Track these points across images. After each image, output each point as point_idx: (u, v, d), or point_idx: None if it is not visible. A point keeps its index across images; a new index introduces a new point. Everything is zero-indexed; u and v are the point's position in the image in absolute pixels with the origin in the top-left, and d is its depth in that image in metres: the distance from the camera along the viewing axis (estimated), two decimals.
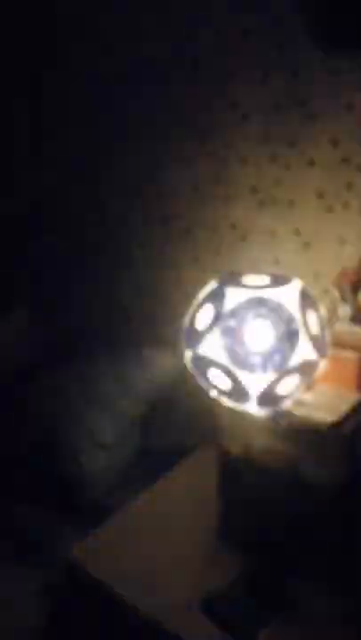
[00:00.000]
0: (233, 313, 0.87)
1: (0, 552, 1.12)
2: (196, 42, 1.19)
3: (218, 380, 0.88)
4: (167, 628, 0.87)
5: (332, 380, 0.96)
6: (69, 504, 1.21)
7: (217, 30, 1.15)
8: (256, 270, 0.95)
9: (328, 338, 0.91)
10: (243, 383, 0.85)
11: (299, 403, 0.90)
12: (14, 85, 1.59)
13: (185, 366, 0.94)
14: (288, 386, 0.87)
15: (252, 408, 0.88)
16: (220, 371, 0.87)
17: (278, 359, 0.85)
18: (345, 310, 1.03)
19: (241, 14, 1.11)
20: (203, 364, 0.89)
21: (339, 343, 0.98)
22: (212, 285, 0.91)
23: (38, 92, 1.55)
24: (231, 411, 0.92)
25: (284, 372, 0.85)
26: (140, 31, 1.28)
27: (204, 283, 1.11)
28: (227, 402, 0.89)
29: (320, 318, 0.90)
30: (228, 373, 0.86)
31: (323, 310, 0.92)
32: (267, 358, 0.86)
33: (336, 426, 0.86)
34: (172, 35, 1.23)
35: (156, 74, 1.28)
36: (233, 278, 0.91)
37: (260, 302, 0.86)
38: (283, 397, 0.88)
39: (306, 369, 0.87)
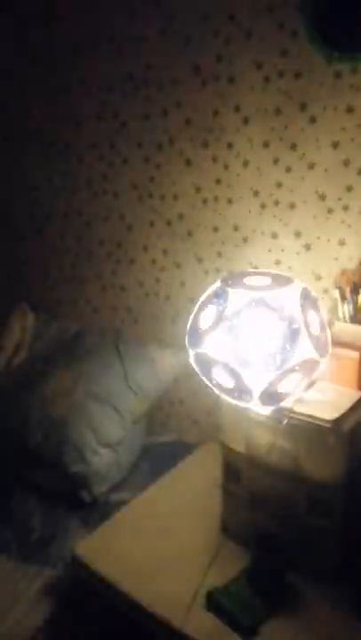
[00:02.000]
0: (236, 313, 0.89)
1: (5, 549, 1.13)
2: (198, 46, 1.21)
3: (221, 379, 0.90)
4: (171, 623, 0.88)
5: (333, 378, 0.98)
6: (74, 501, 1.23)
7: (219, 33, 1.17)
8: (258, 271, 0.97)
9: (329, 337, 0.92)
10: (245, 381, 0.87)
11: (300, 401, 0.92)
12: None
13: (189, 365, 0.96)
14: (290, 384, 0.88)
15: (255, 406, 0.89)
16: (222, 369, 0.88)
17: (280, 358, 0.87)
18: (345, 310, 1.04)
19: (243, 17, 1.13)
20: (206, 362, 0.91)
21: (339, 342, 0.99)
22: (215, 286, 0.92)
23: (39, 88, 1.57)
24: (234, 408, 0.93)
25: (285, 370, 0.87)
26: (142, 35, 1.30)
27: (206, 283, 1.12)
28: (229, 400, 0.91)
29: (321, 318, 0.91)
30: (231, 372, 0.88)
31: (323, 310, 0.93)
32: (269, 357, 0.87)
33: (337, 423, 0.87)
34: (174, 39, 1.24)
35: (158, 77, 1.30)
36: (236, 279, 0.92)
37: (262, 303, 0.88)
38: (284, 395, 0.89)
39: (307, 368, 0.88)
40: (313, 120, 1.09)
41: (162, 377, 1.37)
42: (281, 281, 0.91)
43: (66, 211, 1.63)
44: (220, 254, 1.33)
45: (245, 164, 1.21)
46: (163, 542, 1.04)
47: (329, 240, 1.14)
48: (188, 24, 1.21)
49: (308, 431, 0.89)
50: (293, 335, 0.87)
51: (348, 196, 1.09)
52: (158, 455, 1.38)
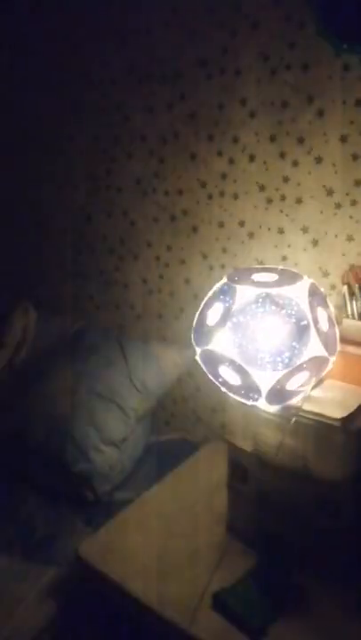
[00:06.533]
0: (243, 310, 0.87)
1: (9, 548, 1.12)
2: (203, 38, 1.19)
3: (228, 376, 0.88)
4: (177, 623, 0.87)
5: (342, 376, 0.97)
6: (78, 500, 1.22)
7: (225, 26, 1.15)
8: (265, 267, 0.95)
9: (337, 334, 0.91)
10: (253, 379, 0.86)
11: (308, 399, 0.90)
12: None
13: (194, 362, 0.94)
14: (298, 382, 0.87)
15: (262, 404, 0.88)
16: (230, 367, 0.87)
17: (288, 356, 0.86)
18: (354, 307, 1.03)
19: (249, 9, 1.11)
20: (213, 360, 0.89)
21: (348, 340, 0.98)
22: (221, 282, 0.91)
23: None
24: (240, 407, 0.92)
25: (293, 368, 0.85)
26: (149, 30, 1.28)
27: (211, 280, 1.11)
28: (236, 398, 0.90)
29: (329, 315, 0.90)
30: (238, 369, 0.86)
31: (332, 307, 0.92)
32: (276, 355, 0.86)
33: (346, 422, 0.86)
34: (178, 31, 1.22)
35: (162, 70, 1.28)
36: (243, 275, 0.91)
37: (269, 299, 0.87)
38: (292, 393, 0.88)
39: (315, 365, 0.87)
40: (321, 113, 1.08)
41: (166, 374, 1.35)
42: (289, 277, 0.90)
43: (68, 206, 1.62)
44: (225, 250, 1.31)
45: (251, 158, 1.20)
46: (168, 542, 1.03)
47: (337, 236, 1.12)
48: (192, 15, 1.19)
49: (316, 430, 0.87)
50: (301, 332, 0.86)
51: (357, 191, 1.07)
52: (162, 454, 1.37)
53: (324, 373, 0.90)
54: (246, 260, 1.28)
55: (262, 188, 1.20)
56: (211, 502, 1.11)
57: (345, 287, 1.04)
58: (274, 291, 0.87)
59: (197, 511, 1.11)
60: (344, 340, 0.95)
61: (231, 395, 0.90)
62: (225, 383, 0.90)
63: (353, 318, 1.02)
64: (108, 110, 1.42)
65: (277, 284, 0.88)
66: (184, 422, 1.53)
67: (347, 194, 1.09)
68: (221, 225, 1.30)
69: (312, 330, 0.86)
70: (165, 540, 1.04)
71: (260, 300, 0.87)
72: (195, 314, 0.93)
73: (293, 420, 0.88)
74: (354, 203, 1.08)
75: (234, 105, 1.19)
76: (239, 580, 0.92)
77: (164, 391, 1.38)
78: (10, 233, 1.83)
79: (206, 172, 1.28)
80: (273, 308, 0.86)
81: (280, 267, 0.94)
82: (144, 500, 1.16)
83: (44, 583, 1.04)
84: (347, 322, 1.01)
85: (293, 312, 0.86)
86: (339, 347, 0.90)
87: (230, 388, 0.89)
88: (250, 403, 0.88)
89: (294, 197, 1.16)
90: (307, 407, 0.89)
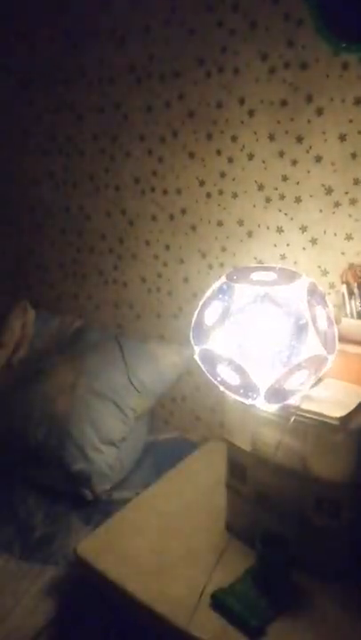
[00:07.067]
0: (242, 309, 0.87)
1: (7, 548, 1.12)
2: (202, 36, 1.19)
3: (226, 376, 0.88)
4: (176, 623, 0.87)
5: (341, 375, 0.96)
6: (76, 499, 1.21)
7: (223, 25, 1.15)
8: (264, 266, 0.95)
9: (336, 333, 0.91)
10: (251, 378, 0.86)
11: (307, 398, 0.90)
12: None
13: (193, 361, 0.94)
14: (296, 381, 0.87)
15: (261, 403, 0.88)
16: (228, 366, 0.87)
17: (287, 354, 0.85)
18: (353, 306, 1.03)
19: (247, 7, 1.11)
20: (211, 359, 0.89)
21: (347, 339, 0.98)
22: (220, 281, 0.91)
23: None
24: (239, 406, 0.92)
25: (292, 367, 0.85)
26: (148, 29, 1.28)
27: (210, 279, 1.11)
28: (235, 397, 0.89)
29: (328, 314, 0.90)
30: (237, 368, 0.86)
31: (331, 306, 0.92)
32: (275, 353, 0.86)
33: (345, 421, 0.86)
34: (177, 29, 1.22)
35: (160, 69, 1.28)
36: (241, 274, 0.91)
37: (268, 298, 0.86)
38: (291, 392, 0.88)
39: (314, 364, 0.87)
40: (320, 112, 1.07)
41: (164, 374, 1.35)
42: (287, 276, 0.90)
43: (67, 205, 1.62)
44: (224, 249, 1.31)
45: (250, 157, 1.19)
46: (167, 541, 1.03)
47: (336, 234, 1.12)
48: (191, 14, 1.19)
49: (315, 429, 0.87)
50: (300, 331, 0.86)
51: (356, 190, 1.07)
52: (161, 453, 1.37)
53: (322, 372, 0.90)
54: (245, 258, 1.28)
55: (261, 187, 1.20)
56: (209, 501, 1.11)
57: (344, 286, 1.04)
58: (273, 290, 0.86)
59: (196, 510, 1.11)
60: (343, 339, 0.95)
61: (230, 394, 0.90)
62: (224, 382, 0.90)
63: (352, 317, 1.02)
64: (107, 109, 1.42)
65: (276, 282, 0.88)
66: (183, 421, 1.53)
67: (346, 192, 1.09)
68: (220, 224, 1.29)
69: (311, 328, 0.86)
70: (164, 539, 1.04)
71: (259, 298, 0.86)
72: (193, 313, 0.93)
73: (292, 419, 0.88)
74: (353, 201, 1.08)
75: (232, 104, 1.19)
76: (238, 579, 0.92)
77: (163, 390, 1.38)
78: (10, 233, 1.83)
79: (205, 170, 1.28)
80: (272, 306, 0.86)
81: (279, 265, 0.93)
82: (143, 499, 1.15)
83: (42, 582, 1.04)
84: (346, 321, 1.01)
85: (292, 311, 0.86)
86: (338, 345, 0.90)
87: (229, 387, 0.89)
88: (249, 402, 0.88)
89: (293, 196, 1.16)
90: (306, 406, 0.88)
